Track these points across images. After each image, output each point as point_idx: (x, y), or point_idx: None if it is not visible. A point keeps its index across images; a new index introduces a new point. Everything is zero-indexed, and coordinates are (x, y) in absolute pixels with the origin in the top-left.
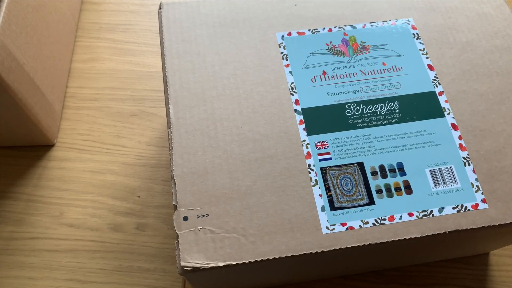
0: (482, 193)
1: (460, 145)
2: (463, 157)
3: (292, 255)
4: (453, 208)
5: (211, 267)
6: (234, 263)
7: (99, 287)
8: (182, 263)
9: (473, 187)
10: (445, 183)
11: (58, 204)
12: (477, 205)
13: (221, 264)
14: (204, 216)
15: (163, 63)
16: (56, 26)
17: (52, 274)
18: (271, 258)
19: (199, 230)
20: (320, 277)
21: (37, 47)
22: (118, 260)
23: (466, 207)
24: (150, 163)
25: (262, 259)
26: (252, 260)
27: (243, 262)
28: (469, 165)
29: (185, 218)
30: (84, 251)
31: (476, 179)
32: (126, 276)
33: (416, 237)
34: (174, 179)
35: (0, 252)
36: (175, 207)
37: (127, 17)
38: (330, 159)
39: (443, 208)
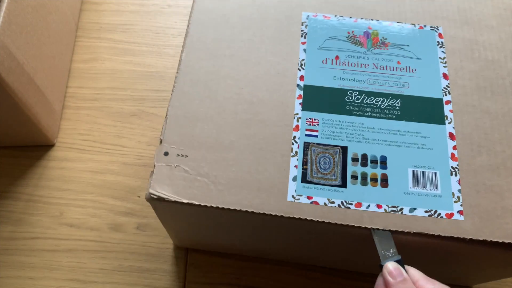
0: (461, 205)
1: (452, 154)
2: (452, 167)
3: (253, 212)
4: (425, 211)
5: (175, 201)
6: (197, 203)
7: (99, 287)
8: (151, 191)
9: (453, 196)
10: (424, 186)
11: (58, 204)
12: (452, 214)
13: (185, 201)
14: (183, 156)
15: (190, 16)
16: (56, 26)
17: (52, 274)
18: (232, 208)
19: (175, 167)
20: (288, 259)
21: (37, 47)
22: (118, 260)
23: (439, 214)
24: (150, 163)
25: (223, 207)
26: (214, 206)
27: (205, 205)
28: (455, 175)
29: (166, 153)
30: (84, 251)
31: (459, 190)
32: (126, 276)
33: (378, 229)
34: (167, 118)
35: (0, 252)
36: (160, 141)
37: (127, 17)
38: (316, 136)
39: (414, 208)
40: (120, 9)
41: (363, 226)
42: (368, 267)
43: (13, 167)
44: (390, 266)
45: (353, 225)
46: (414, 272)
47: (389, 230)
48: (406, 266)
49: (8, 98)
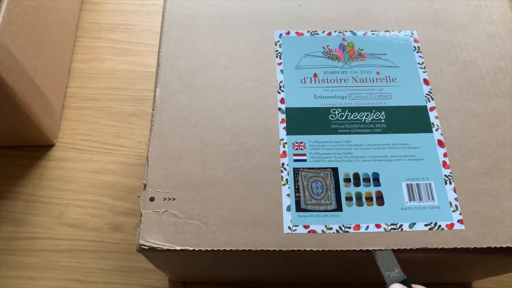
0: (460, 214)
1: (444, 162)
2: (445, 175)
3: (250, 250)
4: (426, 225)
5: (167, 249)
6: (191, 248)
7: (99, 287)
8: (141, 241)
9: (451, 206)
10: (421, 199)
11: (58, 204)
12: (452, 225)
13: (178, 248)
14: (170, 199)
15: (159, 47)
16: (56, 26)
17: (52, 274)
18: (228, 249)
19: (163, 212)
20: (289, 280)
21: (37, 47)
22: (118, 260)
23: (440, 226)
24: None
25: (219, 249)
26: (209, 249)
27: (200, 249)
28: (450, 183)
29: (152, 199)
30: (84, 251)
31: (456, 199)
32: (126, 276)
33: (380, 250)
34: (148, 160)
35: (0, 252)
36: (144, 186)
37: (127, 17)
38: (305, 160)
39: (414, 223)
40: (120, 9)
41: (364, 249)
42: (372, 278)
43: (13, 167)
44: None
45: (354, 249)
46: None
47: (391, 249)
48: (413, 285)
49: (8, 98)
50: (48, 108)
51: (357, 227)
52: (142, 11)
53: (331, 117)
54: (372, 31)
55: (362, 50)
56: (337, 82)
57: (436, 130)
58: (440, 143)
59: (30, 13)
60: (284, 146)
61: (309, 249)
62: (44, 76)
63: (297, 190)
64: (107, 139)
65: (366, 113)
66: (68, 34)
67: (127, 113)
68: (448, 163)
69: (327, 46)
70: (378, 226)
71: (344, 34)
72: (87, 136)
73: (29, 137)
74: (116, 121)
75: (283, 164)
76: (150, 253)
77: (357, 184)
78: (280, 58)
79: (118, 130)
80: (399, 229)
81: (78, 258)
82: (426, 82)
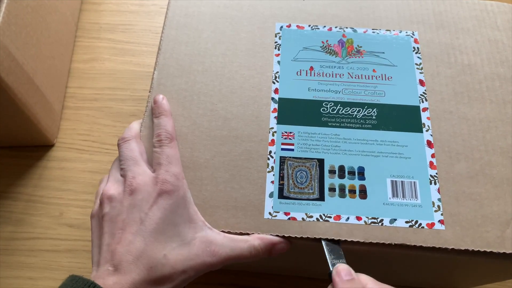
0: (442, 214)
1: (431, 163)
2: (431, 175)
3: (229, 231)
4: (406, 222)
5: None
6: None
7: None
8: None
9: (433, 206)
10: (404, 196)
11: (58, 204)
12: (433, 224)
13: None
14: None
15: (162, 32)
16: (56, 26)
17: (52, 274)
18: None
19: None
20: (283, 272)
21: (37, 47)
22: None
23: (420, 224)
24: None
25: None
26: None
27: None
28: (435, 184)
29: None
30: (84, 251)
31: (439, 199)
32: None
33: (358, 242)
34: (140, 139)
35: (0, 252)
36: None
37: (127, 17)
38: (292, 150)
39: (395, 219)
40: (120, 9)
41: (343, 239)
42: None
43: (13, 167)
44: (340, 267)
45: (333, 239)
46: (363, 277)
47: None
48: (356, 273)
49: (7, 98)
50: (47, 108)
51: (338, 217)
52: (142, 11)
53: (323, 110)
54: (373, 29)
55: (361, 47)
56: (332, 76)
57: (427, 130)
58: (429, 144)
59: (30, 13)
60: (273, 135)
61: (287, 235)
62: (44, 76)
63: (281, 178)
64: (107, 139)
65: (358, 109)
66: (68, 34)
67: (127, 113)
68: (435, 164)
69: (326, 41)
70: (358, 218)
71: (344, 30)
72: (86, 136)
73: (29, 137)
74: (116, 121)
75: (270, 152)
76: None
77: (341, 176)
78: (279, 49)
79: (118, 130)
80: (380, 224)
81: (78, 258)
82: (421, 83)
